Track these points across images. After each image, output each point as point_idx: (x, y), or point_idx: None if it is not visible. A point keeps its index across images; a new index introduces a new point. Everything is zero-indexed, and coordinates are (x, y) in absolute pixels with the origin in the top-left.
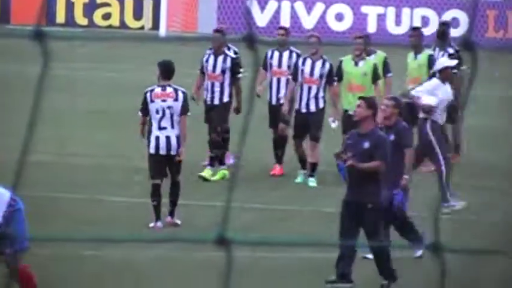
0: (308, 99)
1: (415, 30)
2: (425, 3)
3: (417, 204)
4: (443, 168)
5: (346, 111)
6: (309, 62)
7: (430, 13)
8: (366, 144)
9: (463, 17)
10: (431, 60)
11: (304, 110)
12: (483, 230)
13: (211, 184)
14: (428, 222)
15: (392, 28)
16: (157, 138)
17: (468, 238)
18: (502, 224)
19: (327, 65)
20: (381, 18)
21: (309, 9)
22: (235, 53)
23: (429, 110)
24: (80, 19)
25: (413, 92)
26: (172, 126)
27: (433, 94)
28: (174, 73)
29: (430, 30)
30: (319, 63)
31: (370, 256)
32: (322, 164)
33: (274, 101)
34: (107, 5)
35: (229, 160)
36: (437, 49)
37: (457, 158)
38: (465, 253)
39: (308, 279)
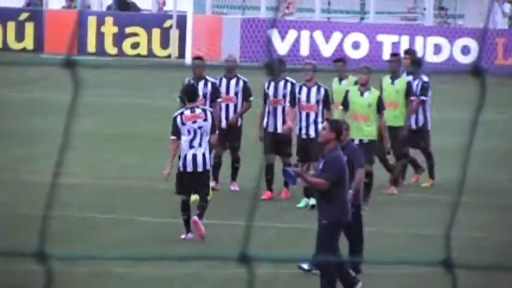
0: (307, 125)
1: (394, 55)
2: (438, 32)
3: (424, 222)
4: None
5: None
6: (304, 89)
7: (442, 41)
8: (321, 164)
9: (473, 44)
10: (410, 87)
11: (304, 136)
12: (493, 247)
13: (234, 204)
14: (440, 239)
15: None
16: (185, 157)
17: (478, 255)
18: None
19: (322, 91)
20: (396, 46)
21: (327, 38)
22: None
23: None
24: (110, 48)
25: None
26: (200, 145)
27: None
28: (197, 96)
29: (441, 58)
30: (314, 90)
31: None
32: None
33: (271, 129)
34: (135, 34)
35: (235, 187)
36: (409, 76)
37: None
38: (475, 269)
39: None
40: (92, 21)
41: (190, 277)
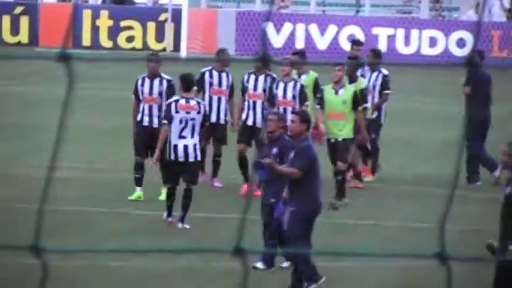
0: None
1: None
2: (433, 25)
3: (418, 215)
4: None
5: (328, 139)
6: (281, 84)
7: (438, 34)
8: (292, 154)
9: (468, 37)
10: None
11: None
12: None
13: (227, 198)
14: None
15: (401, 48)
16: (175, 146)
17: (471, 247)
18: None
19: (298, 86)
20: (391, 39)
21: (322, 31)
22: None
23: None
24: (105, 42)
25: None
26: (192, 136)
27: None
28: (192, 85)
29: (437, 51)
30: (290, 85)
31: (285, 264)
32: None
33: (250, 122)
34: (131, 28)
35: (218, 183)
36: (366, 68)
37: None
38: (470, 261)
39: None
40: (87, 14)
41: (184, 270)
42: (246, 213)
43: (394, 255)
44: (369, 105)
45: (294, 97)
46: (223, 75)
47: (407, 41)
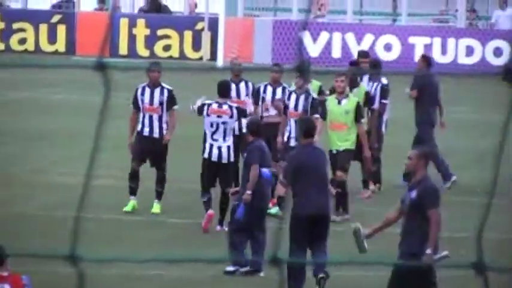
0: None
1: (352, 64)
2: (470, 34)
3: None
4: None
5: (330, 150)
6: (293, 96)
7: (475, 43)
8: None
9: (505, 46)
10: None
11: (292, 144)
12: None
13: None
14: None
15: (438, 57)
16: (211, 145)
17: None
18: None
19: (310, 99)
20: (428, 48)
21: (359, 40)
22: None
23: None
24: (142, 51)
25: None
26: (224, 139)
27: None
28: (229, 92)
29: (473, 60)
30: (303, 97)
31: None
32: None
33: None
34: (167, 37)
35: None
36: (366, 79)
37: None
38: (507, 272)
39: None
40: (123, 23)
41: (219, 279)
42: (281, 223)
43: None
44: (375, 108)
45: (305, 110)
46: (241, 85)
47: (443, 50)
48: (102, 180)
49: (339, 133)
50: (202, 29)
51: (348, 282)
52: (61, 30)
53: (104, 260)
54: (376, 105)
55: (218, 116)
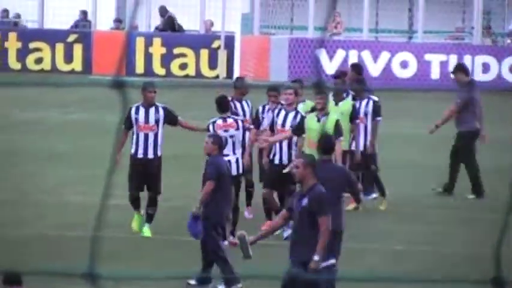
0: (281, 151)
1: (337, 78)
2: (486, 51)
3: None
4: None
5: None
6: (282, 113)
7: (491, 60)
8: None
9: None
10: (355, 109)
11: (277, 162)
12: None
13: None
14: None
15: None
16: None
17: None
18: None
19: (299, 117)
20: (444, 65)
21: (375, 58)
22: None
23: None
24: (158, 69)
25: None
26: (234, 152)
27: None
28: (228, 105)
29: (490, 77)
30: (291, 114)
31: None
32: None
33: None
34: (183, 55)
35: (249, 215)
36: (350, 96)
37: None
38: None
39: None
40: (140, 42)
41: None
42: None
43: (452, 281)
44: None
45: (292, 127)
46: (244, 104)
47: None
48: (119, 200)
49: (315, 151)
50: (219, 48)
51: None
52: (77, 49)
53: (122, 277)
54: (368, 122)
55: (225, 131)
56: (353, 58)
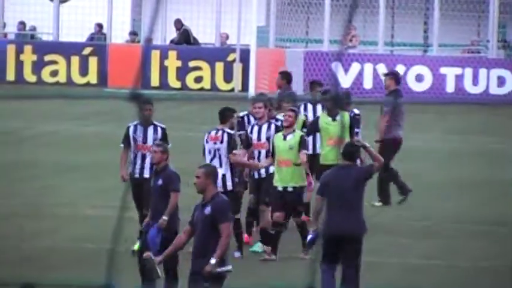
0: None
1: (325, 93)
2: (501, 64)
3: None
4: None
5: (275, 187)
6: (255, 128)
7: (506, 73)
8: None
9: None
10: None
11: (256, 176)
12: None
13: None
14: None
15: (469, 88)
16: None
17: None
18: None
19: (272, 127)
20: (459, 78)
21: None
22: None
23: None
24: (173, 82)
25: None
26: (221, 165)
27: None
28: (227, 117)
29: (505, 90)
30: (265, 127)
31: None
32: None
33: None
34: (199, 68)
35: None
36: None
37: None
38: None
39: None
40: (155, 55)
41: None
42: (317, 253)
43: None
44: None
45: (267, 139)
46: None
47: (475, 81)
48: (134, 212)
49: (286, 169)
50: (234, 61)
51: None
52: (93, 62)
53: None
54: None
55: (214, 143)
56: (368, 71)
